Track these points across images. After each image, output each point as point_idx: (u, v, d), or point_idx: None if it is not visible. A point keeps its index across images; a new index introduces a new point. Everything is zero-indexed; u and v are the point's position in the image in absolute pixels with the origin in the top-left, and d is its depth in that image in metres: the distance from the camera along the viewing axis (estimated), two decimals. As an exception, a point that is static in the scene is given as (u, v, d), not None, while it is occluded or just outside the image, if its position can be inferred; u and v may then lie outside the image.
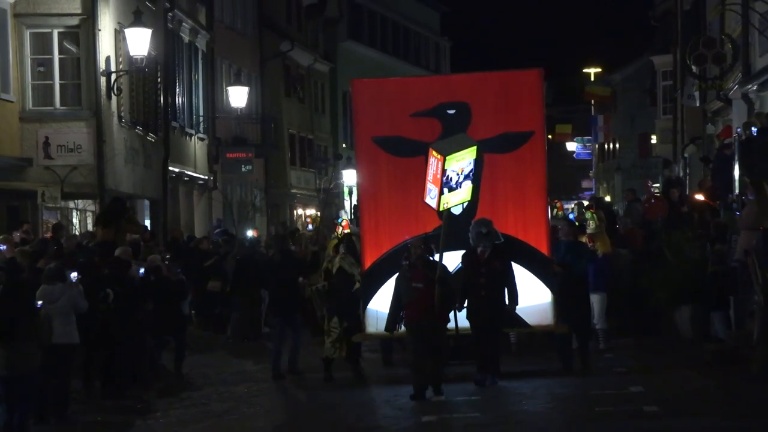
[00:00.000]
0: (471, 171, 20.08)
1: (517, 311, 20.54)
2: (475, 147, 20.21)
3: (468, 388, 19.64)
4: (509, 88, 21.99)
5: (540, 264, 21.22)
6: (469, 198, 20.46)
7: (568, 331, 21.45)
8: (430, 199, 20.32)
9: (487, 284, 20.00)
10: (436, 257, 19.82)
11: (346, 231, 25.23)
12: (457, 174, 19.90)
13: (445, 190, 19.82)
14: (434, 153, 20.03)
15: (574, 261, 21.82)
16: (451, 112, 21.41)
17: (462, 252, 20.36)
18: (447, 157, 19.75)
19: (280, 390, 21.60)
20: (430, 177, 20.27)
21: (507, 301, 20.15)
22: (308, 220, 52.94)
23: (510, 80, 22.35)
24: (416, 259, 19.49)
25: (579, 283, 21.79)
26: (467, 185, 20.07)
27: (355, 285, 21.90)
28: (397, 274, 19.93)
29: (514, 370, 20.83)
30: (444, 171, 19.75)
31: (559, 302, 21.21)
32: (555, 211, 50.02)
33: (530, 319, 21.16)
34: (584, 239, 24.23)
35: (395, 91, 23.00)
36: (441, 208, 20.05)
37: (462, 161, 19.94)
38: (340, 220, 34.48)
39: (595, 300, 23.65)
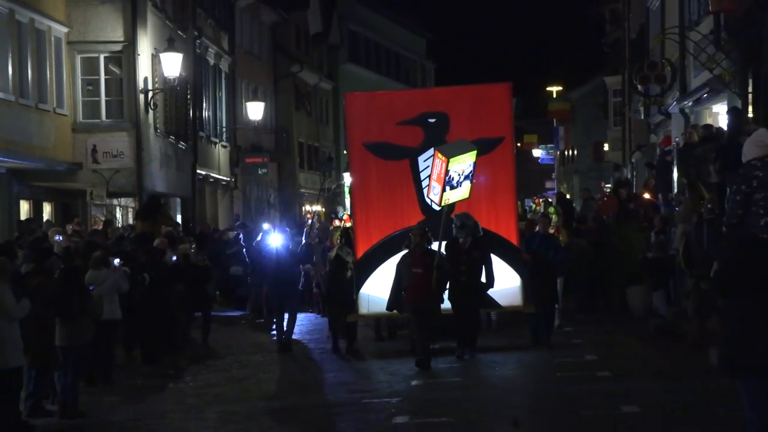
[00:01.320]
0: (471, 172, 19.80)
1: (490, 294, 20.40)
2: (475, 151, 19.85)
3: (450, 360, 19.60)
4: (482, 99, 21.80)
5: (510, 253, 20.99)
6: (467, 195, 20.04)
7: (536, 310, 21.19)
8: (434, 195, 20.02)
9: (468, 271, 19.78)
10: (434, 246, 19.61)
11: (347, 224, 25.18)
12: (459, 174, 19.63)
13: (447, 188, 19.58)
14: (439, 155, 19.72)
15: (546, 250, 21.61)
16: (432, 120, 21.21)
17: (445, 242, 20.02)
18: (450, 159, 19.48)
19: (290, 359, 21.58)
20: (434, 176, 19.94)
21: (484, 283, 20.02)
22: (308, 215, 52.88)
23: (483, 93, 22.26)
24: (415, 246, 19.34)
25: (549, 269, 21.56)
26: (467, 184, 19.79)
27: (349, 272, 21.72)
28: (398, 259, 19.77)
29: (490, 345, 20.73)
30: (447, 171, 19.48)
31: (530, 286, 21.02)
32: (533, 206, 50.13)
33: (502, 300, 20.98)
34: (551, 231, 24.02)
35: (383, 103, 22.90)
36: (443, 203, 19.79)
37: (463, 163, 19.68)
38: (341, 215, 34.38)
39: (559, 285, 23.39)
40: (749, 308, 8.72)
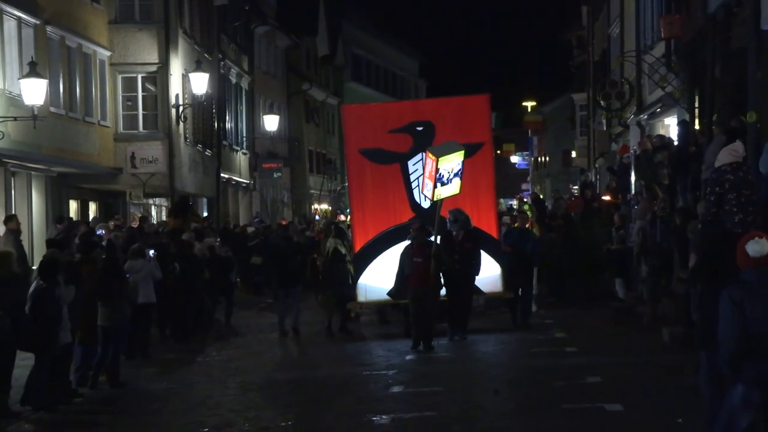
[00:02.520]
0: (460, 170, 19.32)
1: (476, 281, 20.09)
2: (463, 151, 19.24)
3: (441, 340, 19.23)
4: (464, 109, 21.48)
5: (491, 245, 20.66)
6: (457, 191, 19.46)
7: (514, 296, 21.04)
8: (427, 191, 19.51)
9: (460, 260, 19.41)
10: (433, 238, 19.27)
11: (340, 219, 24.89)
12: (448, 172, 19.14)
13: (438, 184, 19.11)
14: (430, 155, 19.20)
15: (524, 243, 21.46)
16: (420, 128, 20.86)
17: (441, 235, 19.54)
18: (440, 158, 18.98)
19: (301, 339, 21.42)
20: (426, 174, 19.42)
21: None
22: (316, 211, 52.91)
23: (465, 103, 21.90)
24: (414, 239, 19.03)
25: (527, 260, 21.37)
26: (456, 181, 19.31)
27: (345, 263, 21.31)
28: (392, 252, 19.68)
29: (476, 327, 20.45)
30: (437, 169, 19.02)
31: (509, 274, 20.78)
32: (516, 202, 50.00)
33: (485, 287, 20.63)
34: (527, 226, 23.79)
35: (376, 113, 22.66)
36: (435, 199, 19.27)
37: (452, 162, 19.20)
38: (347, 210, 33.97)
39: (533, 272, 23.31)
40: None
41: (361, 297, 20.97)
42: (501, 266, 20.78)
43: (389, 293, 20.18)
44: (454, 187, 19.32)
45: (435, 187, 19.03)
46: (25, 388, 14.08)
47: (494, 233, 21.00)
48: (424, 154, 19.90)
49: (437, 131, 20.91)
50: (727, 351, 7.98)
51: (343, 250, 21.34)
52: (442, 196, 19.21)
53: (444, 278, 19.24)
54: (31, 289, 14.42)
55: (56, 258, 15.32)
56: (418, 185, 20.63)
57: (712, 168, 12.92)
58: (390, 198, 20.97)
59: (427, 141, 20.58)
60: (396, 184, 20.90)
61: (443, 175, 19.02)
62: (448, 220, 19.66)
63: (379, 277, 20.38)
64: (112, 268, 16.68)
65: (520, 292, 21.22)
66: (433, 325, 18.68)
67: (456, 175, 19.21)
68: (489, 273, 20.60)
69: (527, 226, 23.53)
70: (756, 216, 11.58)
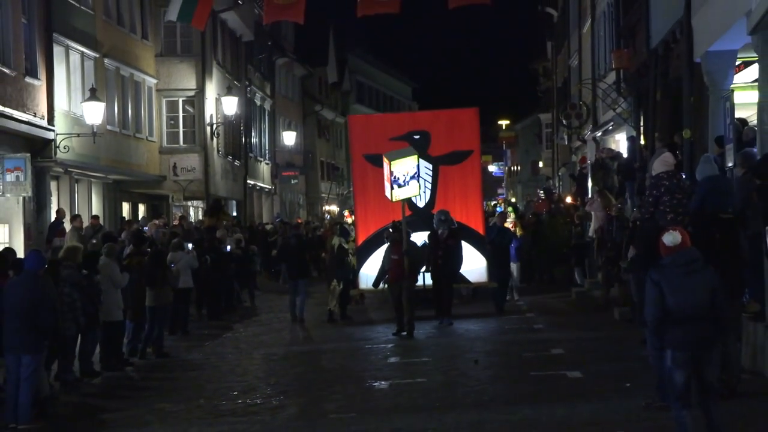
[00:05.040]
0: (416, 173, 17.99)
1: (463, 272, 19.41)
2: (416, 155, 18.13)
3: (433, 324, 18.47)
4: (456, 120, 20.85)
5: (478, 240, 20.14)
6: (416, 193, 18.51)
7: (496, 285, 20.25)
8: (387, 192, 18.22)
9: (444, 255, 18.58)
10: (420, 237, 18.90)
11: (348, 220, 24.58)
12: (404, 175, 18.12)
13: (395, 186, 17.90)
14: (385, 159, 18.31)
15: (502, 240, 20.66)
16: (417, 137, 20.31)
17: (428, 233, 19.12)
18: (392, 162, 18.08)
19: (311, 321, 20.71)
20: (385, 176, 18.23)
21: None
22: (326, 212, 52.78)
23: (456, 115, 21.15)
24: (390, 238, 18.30)
25: (504, 254, 20.64)
26: (414, 183, 18.00)
27: (348, 257, 20.53)
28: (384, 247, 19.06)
29: (459, 312, 19.66)
30: (392, 172, 17.91)
31: (491, 267, 20.19)
32: (501, 203, 49.85)
33: (471, 277, 20.17)
34: (508, 225, 23.25)
35: (378, 123, 22.22)
36: (393, 199, 18.12)
37: (405, 165, 17.90)
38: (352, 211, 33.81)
39: (514, 268, 22.85)
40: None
41: (363, 285, 20.53)
42: (486, 259, 20.19)
43: (373, 284, 19.48)
44: (412, 189, 18.30)
45: (392, 188, 18.14)
46: (79, 360, 14.06)
47: (481, 230, 20.39)
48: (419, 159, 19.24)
49: (432, 139, 20.41)
50: (651, 321, 8.30)
51: (347, 247, 20.67)
52: (400, 198, 18.09)
53: (431, 271, 18.57)
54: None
55: (97, 252, 15.33)
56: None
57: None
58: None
59: (424, 148, 19.97)
60: None
61: (398, 178, 18.01)
62: (435, 220, 18.95)
63: (378, 268, 19.60)
64: (157, 259, 16.64)
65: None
66: (413, 313, 17.49)
67: (413, 177, 18.09)
68: (475, 265, 20.03)
69: (511, 226, 23.24)
70: (684, 216, 11.58)
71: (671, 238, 8.20)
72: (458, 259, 18.95)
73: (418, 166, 18.22)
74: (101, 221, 24.41)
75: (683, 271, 8.09)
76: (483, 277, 20.33)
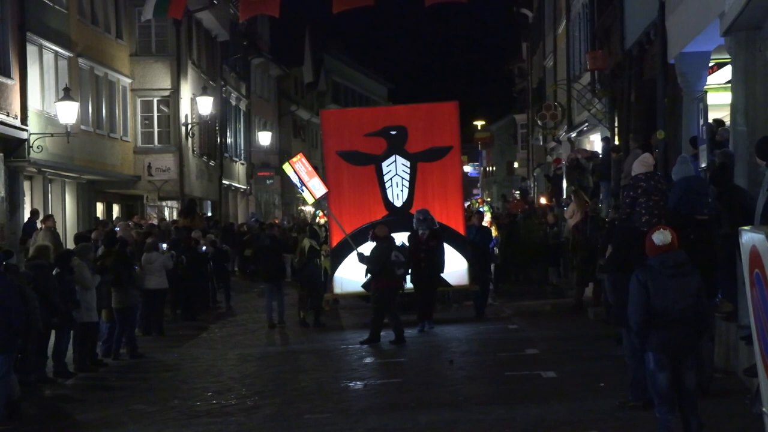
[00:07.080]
0: (299, 180, 18.39)
1: (444, 276, 18.34)
2: (287, 163, 18.43)
3: (410, 329, 17.62)
4: (434, 115, 19.56)
5: (459, 241, 19.04)
6: (311, 201, 18.89)
7: (478, 288, 19.38)
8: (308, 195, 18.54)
9: (426, 258, 17.59)
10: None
11: (321, 220, 24.14)
12: (300, 182, 18.32)
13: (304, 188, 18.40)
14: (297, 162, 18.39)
15: (483, 240, 19.99)
16: (393, 132, 19.23)
17: (408, 233, 17.91)
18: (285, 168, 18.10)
19: (287, 322, 20.18)
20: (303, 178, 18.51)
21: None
22: (301, 211, 52.55)
23: (435, 109, 19.88)
24: (379, 237, 17.18)
25: (485, 255, 20.09)
26: (306, 190, 18.47)
27: (320, 259, 19.79)
28: (365, 248, 17.84)
29: (441, 317, 19.19)
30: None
31: (471, 269, 19.19)
32: (477, 203, 49.76)
33: (452, 280, 19.02)
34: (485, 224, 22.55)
35: (352, 118, 20.50)
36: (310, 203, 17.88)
37: (291, 173, 18.24)
38: (325, 212, 33.63)
39: (492, 268, 22.37)
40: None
41: (338, 289, 19.52)
42: (467, 261, 19.17)
43: (363, 285, 18.69)
44: (307, 196, 18.24)
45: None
46: (53, 361, 13.96)
47: (461, 230, 19.30)
48: (396, 156, 19.14)
49: (410, 135, 19.30)
50: (635, 323, 8.14)
51: (317, 248, 19.82)
52: (311, 201, 17.58)
53: (412, 274, 17.63)
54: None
55: (69, 251, 15.27)
56: (392, 185, 19.28)
57: (629, 176, 12.95)
58: (365, 197, 19.31)
59: (401, 144, 19.23)
60: (371, 184, 19.26)
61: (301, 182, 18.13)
62: (414, 220, 17.97)
63: (353, 271, 18.66)
64: (122, 259, 16.45)
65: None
66: (398, 318, 16.57)
67: (302, 185, 18.29)
68: (456, 267, 18.98)
69: (487, 224, 22.99)
70: (660, 218, 11.62)
71: (661, 237, 8.03)
72: (441, 262, 18.10)
73: (296, 173, 18.47)
74: (76, 220, 24.29)
75: (671, 273, 7.94)
76: (464, 279, 19.28)
